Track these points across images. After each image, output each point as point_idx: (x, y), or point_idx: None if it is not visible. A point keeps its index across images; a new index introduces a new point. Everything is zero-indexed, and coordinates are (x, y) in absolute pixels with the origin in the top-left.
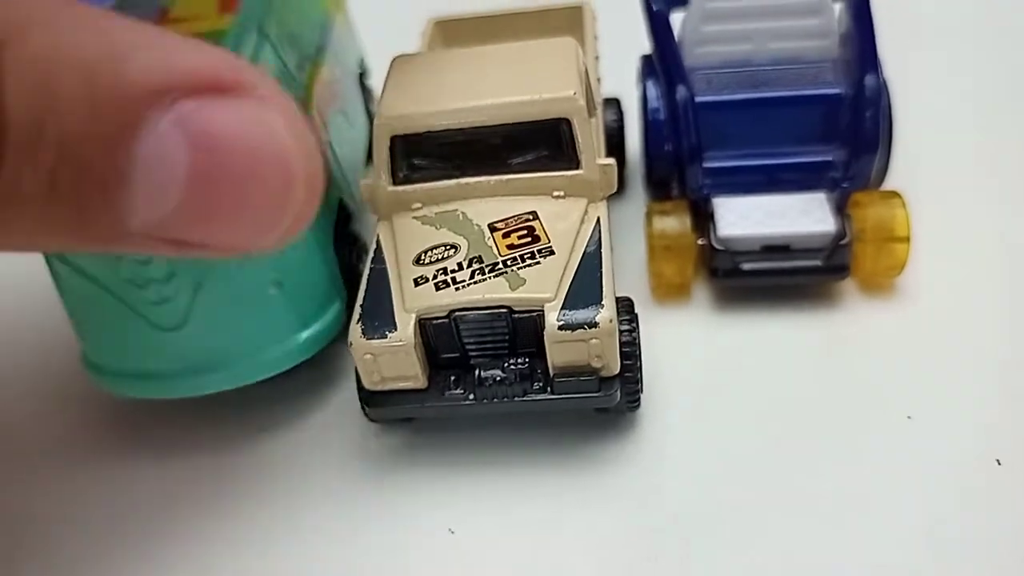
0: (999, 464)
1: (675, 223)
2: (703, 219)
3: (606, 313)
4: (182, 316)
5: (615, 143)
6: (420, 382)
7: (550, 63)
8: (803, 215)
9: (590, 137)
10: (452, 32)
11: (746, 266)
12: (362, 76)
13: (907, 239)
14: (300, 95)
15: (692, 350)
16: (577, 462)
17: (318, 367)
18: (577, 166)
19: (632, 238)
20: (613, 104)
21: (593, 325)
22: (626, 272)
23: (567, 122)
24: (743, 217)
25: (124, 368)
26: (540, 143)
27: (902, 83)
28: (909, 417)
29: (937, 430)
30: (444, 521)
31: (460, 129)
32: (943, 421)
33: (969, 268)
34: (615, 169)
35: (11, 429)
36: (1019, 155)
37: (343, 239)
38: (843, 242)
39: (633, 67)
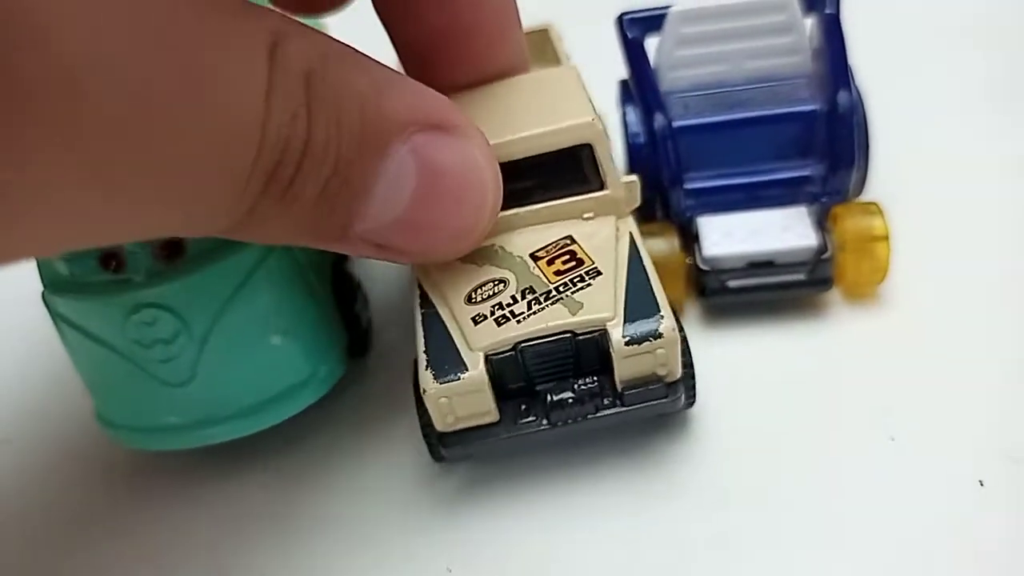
0: (982, 485)
1: (663, 245)
2: (689, 238)
3: (668, 323)
4: (189, 372)
5: None
6: (493, 416)
7: (559, 92)
8: (785, 230)
9: (611, 159)
10: None
11: (732, 284)
12: None
13: (886, 238)
14: None
15: None
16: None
17: (320, 407)
18: (603, 187)
19: None
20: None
21: (658, 336)
22: None
23: (589, 147)
24: (727, 235)
25: (136, 423)
26: (566, 170)
27: (879, 91)
28: (892, 439)
29: (920, 451)
30: (445, 561)
31: None
32: (926, 442)
33: (952, 278)
34: (638, 185)
35: (28, 483)
36: (999, 162)
37: (340, 280)
38: (825, 256)
39: (609, 83)
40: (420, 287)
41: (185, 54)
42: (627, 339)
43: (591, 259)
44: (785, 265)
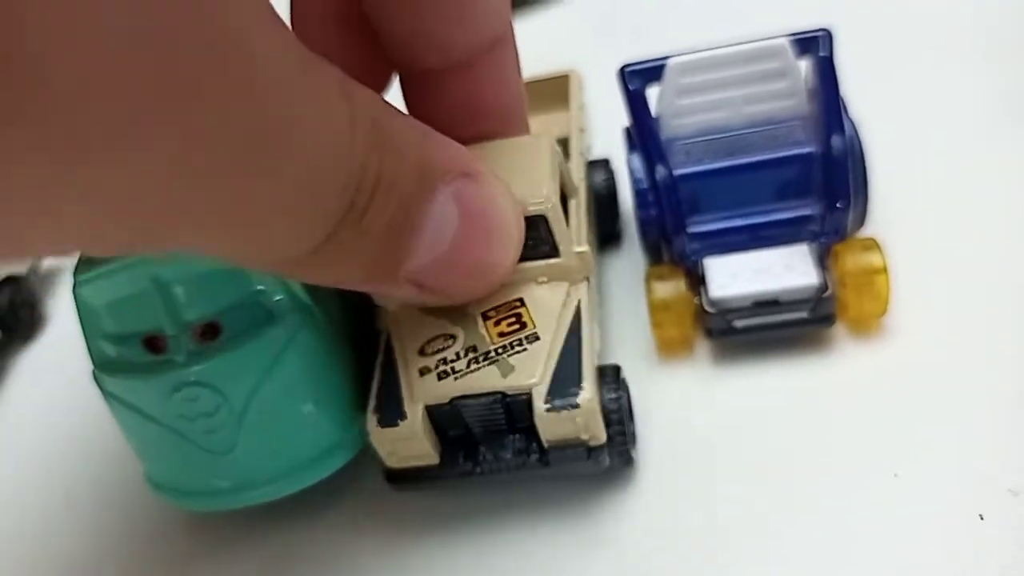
0: (982, 519)
1: (672, 287)
2: (696, 280)
3: (586, 394)
4: (231, 442)
5: (606, 204)
6: (433, 459)
7: (523, 163)
8: (788, 269)
9: (565, 229)
10: None
11: (739, 324)
12: None
13: (884, 270)
14: None
15: (693, 406)
16: (574, 517)
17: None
18: (557, 255)
19: (634, 293)
20: (602, 165)
21: (576, 406)
22: (629, 328)
23: (543, 219)
24: (732, 276)
25: (183, 486)
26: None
27: (879, 116)
28: (896, 475)
29: (922, 485)
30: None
31: None
32: (928, 476)
33: (956, 307)
34: (590, 255)
35: (83, 542)
36: (1003, 186)
37: (369, 339)
38: (826, 293)
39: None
40: (388, 332)
41: (281, 87)
42: (547, 407)
43: (534, 323)
44: (789, 303)
